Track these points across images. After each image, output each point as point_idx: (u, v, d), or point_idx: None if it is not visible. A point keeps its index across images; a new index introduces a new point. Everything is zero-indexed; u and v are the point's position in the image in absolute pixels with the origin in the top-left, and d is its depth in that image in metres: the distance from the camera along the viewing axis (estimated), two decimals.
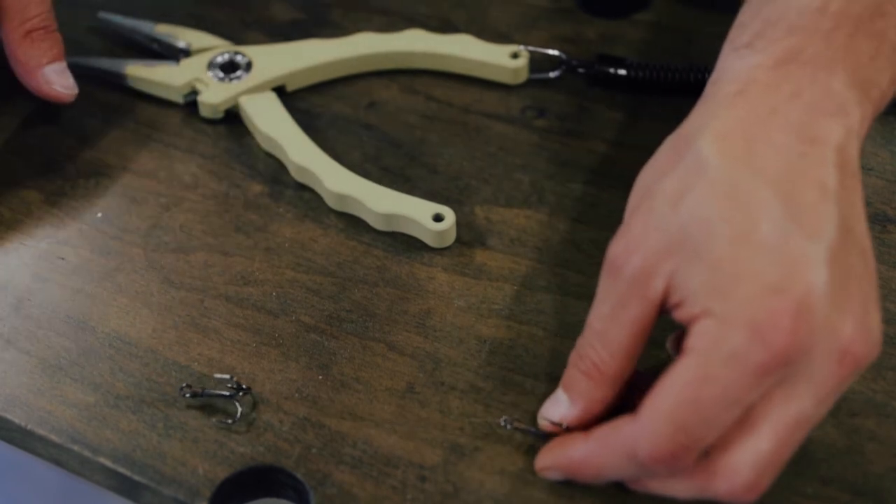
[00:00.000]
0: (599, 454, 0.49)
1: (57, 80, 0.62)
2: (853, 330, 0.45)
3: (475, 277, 0.58)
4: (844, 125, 0.47)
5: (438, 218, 0.59)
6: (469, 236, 0.59)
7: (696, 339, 0.45)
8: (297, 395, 0.54)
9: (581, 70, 0.66)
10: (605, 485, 0.51)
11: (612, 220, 0.60)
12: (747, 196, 0.46)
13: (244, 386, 0.53)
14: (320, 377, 0.55)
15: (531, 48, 0.66)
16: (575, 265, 0.58)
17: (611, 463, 0.48)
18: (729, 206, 0.46)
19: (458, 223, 0.59)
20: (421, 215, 0.59)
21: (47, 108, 0.65)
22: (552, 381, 0.54)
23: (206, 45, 0.66)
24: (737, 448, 0.46)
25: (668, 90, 0.65)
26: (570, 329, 0.56)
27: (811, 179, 0.46)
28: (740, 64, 0.50)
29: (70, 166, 0.63)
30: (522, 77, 0.66)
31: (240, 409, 0.53)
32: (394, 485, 0.51)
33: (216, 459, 0.52)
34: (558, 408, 0.51)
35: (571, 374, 0.50)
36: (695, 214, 0.46)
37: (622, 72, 0.65)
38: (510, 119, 0.65)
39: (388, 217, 0.59)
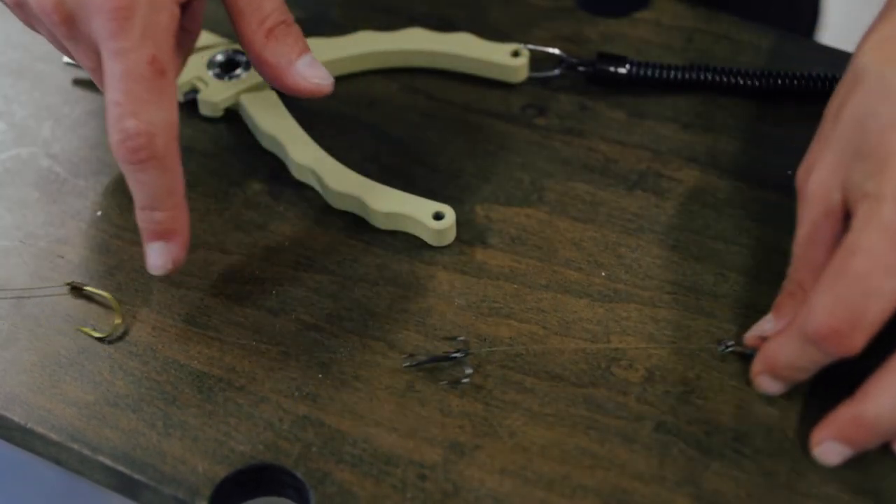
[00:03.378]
0: (783, 341, 0.51)
1: (312, 73, 0.57)
2: None
3: (475, 276, 0.58)
4: None
5: (438, 216, 0.58)
6: (469, 235, 0.59)
7: (854, 222, 0.48)
8: (296, 393, 0.54)
9: (581, 69, 0.66)
10: (604, 483, 0.51)
11: (612, 218, 0.60)
12: (893, 86, 0.49)
13: (464, 342, 0.55)
14: (320, 375, 0.55)
15: (531, 47, 0.66)
16: (575, 264, 0.58)
17: (791, 348, 0.51)
18: (879, 100, 0.49)
19: (459, 221, 0.59)
20: (421, 214, 0.59)
21: (48, 107, 0.65)
22: (552, 379, 0.54)
23: (206, 43, 0.66)
24: None
25: (669, 89, 0.65)
26: (570, 327, 0.56)
27: None
28: None
29: (70, 165, 0.63)
30: (523, 76, 0.66)
31: (467, 371, 0.54)
32: (394, 483, 0.51)
33: (216, 458, 0.52)
34: (764, 325, 0.54)
35: (780, 298, 0.53)
36: (852, 118, 0.50)
37: (622, 70, 0.65)
38: (510, 118, 0.65)
39: (389, 215, 0.59)
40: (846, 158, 0.50)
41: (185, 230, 0.54)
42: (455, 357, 0.54)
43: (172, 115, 0.52)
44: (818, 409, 0.52)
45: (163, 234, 0.54)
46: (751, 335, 0.54)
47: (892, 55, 0.50)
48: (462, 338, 0.55)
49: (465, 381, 0.54)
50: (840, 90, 0.52)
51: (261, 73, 0.57)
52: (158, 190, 0.52)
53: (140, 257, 0.59)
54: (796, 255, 0.53)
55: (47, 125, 0.65)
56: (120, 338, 0.56)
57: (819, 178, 0.51)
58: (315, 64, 0.57)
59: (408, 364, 0.54)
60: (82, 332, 0.56)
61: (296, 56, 0.57)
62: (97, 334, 0.55)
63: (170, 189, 0.52)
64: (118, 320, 0.56)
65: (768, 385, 0.53)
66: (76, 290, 0.57)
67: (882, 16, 0.52)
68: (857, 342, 0.48)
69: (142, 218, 0.53)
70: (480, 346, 0.55)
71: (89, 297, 0.57)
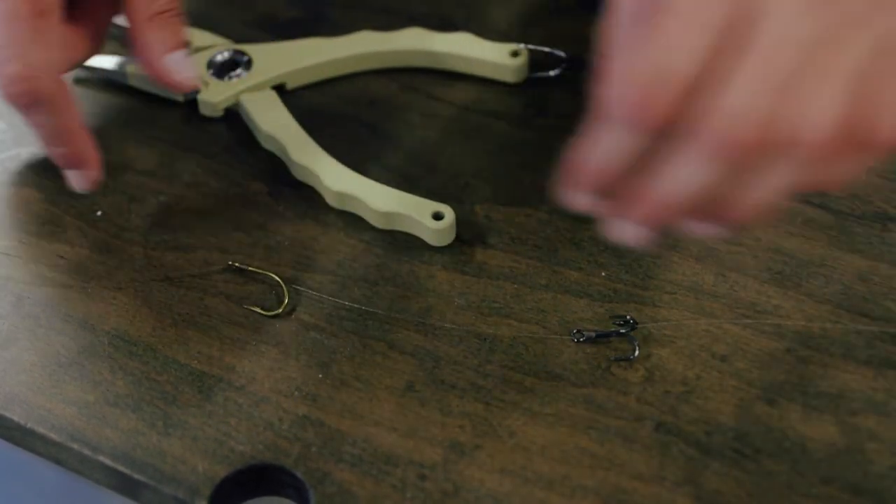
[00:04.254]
0: (587, 138, 0.44)
1: (180, 68, 0.60)
2: None
3: (475, 276, 0.58)
4: None
5: (438, 216, 0.58)
6: (469, 234, 0.59)
7: None
8: (296, 393, 0.54)
9: (582, 68, 0.66)
10: (604, 483, 0.51)
11: None
12: None
13: (632, 320, 0.55)
14: (320, 375, 0.55)
15: (531, 46, 0.66)
16: (575, 263, 0.58)
17: (594, 143, 0.43)
18: None
19: (458, 221, 0.59)
20: (421, 214, 0.59)
21: None
22: (552, 379, 0.54)
23: (206, 43, 0.66)
24: (730, 81, 0.41)
25: None
26: (570, 327, 0.56)
27: None
28: None
29: None
30: (523, 75, 0.66)
31: (636, 346, 0.54)
32: (394, 483, 0.51)
33: (216, 458, 0.52)
34: None
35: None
36: None
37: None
38: (510, 117, 0.65)
39: (388, 215, 0.59)
40: None
41: (93, 157, 0.58)
42: (623, 333, 0.55)
43: (55, 55, 0.52)
44: (817, 406, 0.52)
45: (73, 164, 0.58)
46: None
47: None
48: (629, 316, 0.55)
49: (634, 356, 0.54)
50: None
51: (135, 53, 0.60)
52: (53, 130, 0.55)
53: (140, 256, 0.59)
54: (609, 54, 0.43)
55: None
56: (289, 314, 0.56)
57: None
58: (187, 62, 0.60)
59: (578, 339, 0.55)
60: (251, 310, 0.56)
61: (171, 46, 0.59)
62: (267, 313, 0.56)
63: (65, 127, 0.55)
64: (286, 300, 0.56)
65: (581, 201, 0.46)
66: (239, 271, 0.57)
67: None
68: (662, 104, 0.40)
69: (49, 152, 0.57)
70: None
71: (250, 277, 0.58)
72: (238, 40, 0.67)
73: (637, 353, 0.54)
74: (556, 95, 0.65)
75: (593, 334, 0.55)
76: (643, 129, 0.41)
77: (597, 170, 0.44)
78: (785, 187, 0.43)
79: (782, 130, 0.41)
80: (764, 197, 0.43)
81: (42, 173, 0.62)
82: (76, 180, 0.59)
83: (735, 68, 0.41)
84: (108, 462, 0.52)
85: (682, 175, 0.42)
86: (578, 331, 0.55)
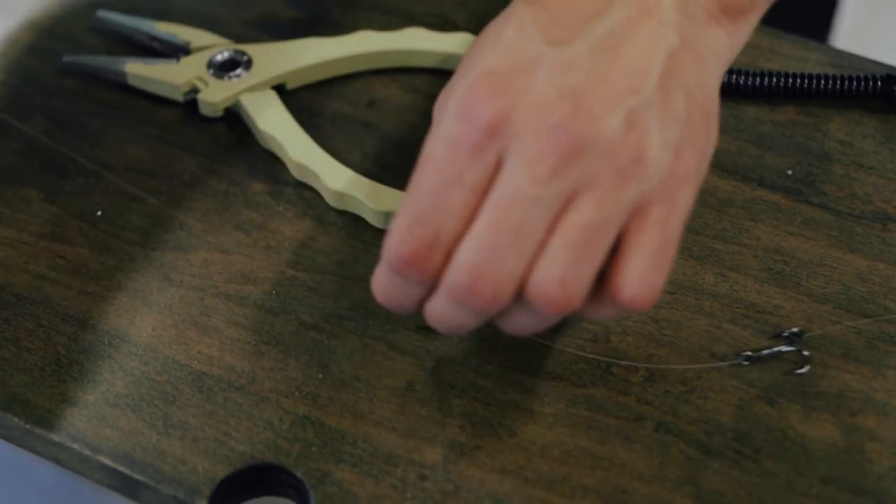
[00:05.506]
0: (377, 272, 0.49)
1: None
2: (570, 111, 0.44)
3: None
4: None
5: None
6: None
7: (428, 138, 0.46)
8: (296, 393, 0.54)
9: None
10: (604, 483, 0.51)
11: None
12: (513, 14, 0.47)
13: (796, 331, 0.54)
14: (320, 375, 0.55)
15: None
16: None
17: (383, 279, 0.48)
18: (495, 23, 0.48)
19: None
20: None
21: (47, 107, 0.65)
22: (553, 379, 0.54)
23: (207, 43, 0.66)
24: (463, 237, 0.45)
25: None
26: (570, 327, 0.55)
27: (588, 7, 0.47)
28: None
29: (69, 164, 0.63)
30: None
31: (807, 357, 0.54)
32: (394, 483, 0.51)
33: (216, 458, 0.52)
34: None
35: None
36: (474, 43, 0.49)
37: None
38: None
39: (389, 215, 0.59)
40: (455, 78, 0.48)
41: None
42: (792, 348, 0.54)
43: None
44: (817, 406, 0.52)
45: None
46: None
47: None
48: (795, 329, 0.55)
49: (803, 370, 0.54)
50: None
51: None
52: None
53: (140, 256, 0.59)
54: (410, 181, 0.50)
55: (46, 124, 0.65)
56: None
57: (439, 100, 0.48)
58: None
59: (746, 362, 0.54)
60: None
61: None
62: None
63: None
64: None
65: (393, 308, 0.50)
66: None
67: None
68: (436, 263, 0.45)
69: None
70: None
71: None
72: (238, 40, 0.67)
73: (807, 367, 0.54)
74: None
75: (763, 352, 0.54)
76: (419, 281, 0.47)
77: (384, 301, 0.49)
78: (535, 326, 0.48)
79: (502, 288, 0.45)
80: (518, 329, 0.48)
81: (42, 173, 0.62)
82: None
83: (472, 225, 0.45)
84: (108, 462, 0.52)
85: (438, 306, 0.47)
86: (745, 354, 0.54)
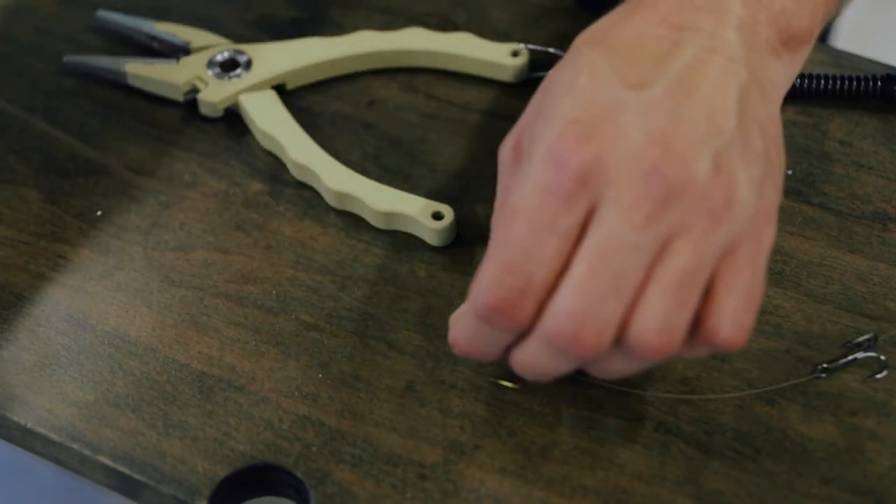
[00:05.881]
0: (462, 319, 0.49)
1: None
2: (661, 155, 0.44)
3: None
4: (717, 19, 0.48)
5: (438, 216, 0.58)
6: (469, 234, 0.59)
7: (513, 185, 0.47)
8: (296, 393, 0.54)
9: None
10: (604, 483, 0.51)
11: None
12: (583, 58, 0.48)
13: (869, 336, 0.54)
14: (320, 375, 0.55)
15: (531, 46, 0.66)
16: None
17: (466, 327, 0.48)
18: (568, 69, 0.48)
19: (459, 221, 0.59)
20: (421, 213, 0.59)
21: (47, 107, 0.65)
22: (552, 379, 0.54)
23: (206, 43, 0.66)
24: (559, 283, 0.45)
25: None
26: None
27: (656, 48, 0.47)
28: None
29: (69, 164, 0.63)
30: (523, 75, 0.66)
31: (882, 358, 0.54)
32: (394, 483, 0.51)
33: (216, 458, 0.52)
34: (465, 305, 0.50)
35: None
36: (545, 86, 0.49)
37: None
38: (510, 117, 0.64)
39: (388, 215, 0.59)
40: (532, 121, 0.49)
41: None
42: (869, 354, 0.54)
43: None
44: (817, 406, 0.52)
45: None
46: (454, 316, 0.51)
47: (595, 38, 0.49)
48: (868, 335, 0.54)
49: (882, 374, 0.54)
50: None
51: None
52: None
53: (140, 256, 0.59)
54: (493, 227, 0.50)
55: (46, 124, 0.65)
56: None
57: (512, 142, 0.50)
58: None
59: (824, 375, 0.53)
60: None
61: None
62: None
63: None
64: None
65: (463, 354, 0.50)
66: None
67: (611, 12, 0.51)
68: (528, 310, 0.45)
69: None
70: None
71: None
72: (238, 40, 0.67)
73: (885, 371, 0.53)
74: None
75: (840, 361, 0.54)
76: (509, 328, 0.46)
77: (467, 349, 0.49)
78: (629, 371, 0.48)
79: (603, 335, 0.44)
80: (611, 374, 0.48)
81: (42, 173, 0.62)
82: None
83: (569, 271, 0.45)
84: (108, 462, 0.52)
85: (530, 353, 0.47)
86: (823, 367, 0.54)
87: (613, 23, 0.49)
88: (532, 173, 0.45)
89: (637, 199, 0.44)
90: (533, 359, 0.47)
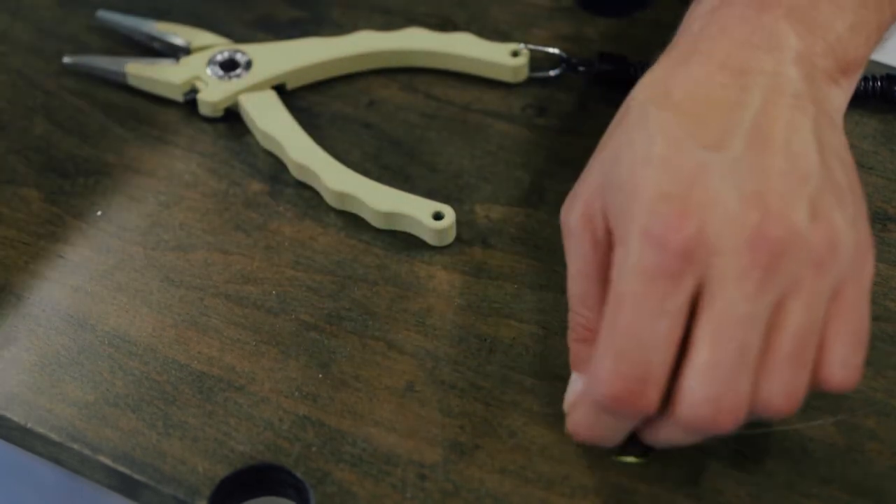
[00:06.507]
0: (582, 411, 0.49)
1: None
2: (761, 217, 0.44)
3: (475, 276, 0.58)
4: (776, 57, 0.48)
5: (438, 216, 0.58)
6: (469, 235, 0.59)
7: (612, 269, 0.46)
8: (296, 393, 0.54)
9: (581, 69, 0.66)
10: (604, 483, 0.51)
11: None
12: (651, 121, 0.47)
13: None
14: (320, 376, 0.55)
15: (531, 46, 0.66)
16: None
17: (591, 418, 0.48)
18: (636, 133, 0.47)
19: (459, 221, 0.59)
20: (421, 213, 0.59)
21: (47, 107, 0.65)
22: (553, 379, 0.54)
23: (206, 43, 0.66)
24: (684, 367, 0.45)
25: None
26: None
27: (723, 98, 0.47)
28: (685, 18, 0.52)
29: (69, 164, 0.63)
30: (523, 75, 0.66)
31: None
32: (394, 483, 0.51)
33: (216, 458, 0.52)
34: (574, 387, 0.50)
35: (572, 349, 0.50)
36: (612, 149, 0.48)
37: (623, 70, 0.65)
38: (510, 117, 0.65)
39: (388, 215, 0.59)
40: (603, 189, 0.47)
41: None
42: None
43: None
44: (817, 406, 0.52)
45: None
46: (568, 402, 0.51)
47: (657, 94, 0.48)
48: None
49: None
50: (611, 124, 0.50)
51: None
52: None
53: (140, 256, 0.59)
54: (574, 296, 0.49)
55: (46, 124, 0.65)
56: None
57: (581, 208, 0.48)
58: None
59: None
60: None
61: None
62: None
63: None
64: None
65: (583, 440, 0.50)
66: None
67: (662, 56, 0.51)
68: (653, 397, 0.45)
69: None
70: (480, 346, 0.55)
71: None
72: (238, 40, 0.67)
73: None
74: (556, 95, 0.65)
75: None
76: (636, 416, 0.46)
77: (588, 437, 0.49)
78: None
79: (740, 412, 0.44)
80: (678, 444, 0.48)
81: (42, 173, 0.62)
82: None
83: (692, 354, 0.44)
84: (108, 462, 0.52)
85: (665, 436, 0.47)
86: None
87: (669, 74, 0.49)
88: (632, 256, 0.44)
89: (746, 268, 0.44)
90: (667, 438, 0.47)
